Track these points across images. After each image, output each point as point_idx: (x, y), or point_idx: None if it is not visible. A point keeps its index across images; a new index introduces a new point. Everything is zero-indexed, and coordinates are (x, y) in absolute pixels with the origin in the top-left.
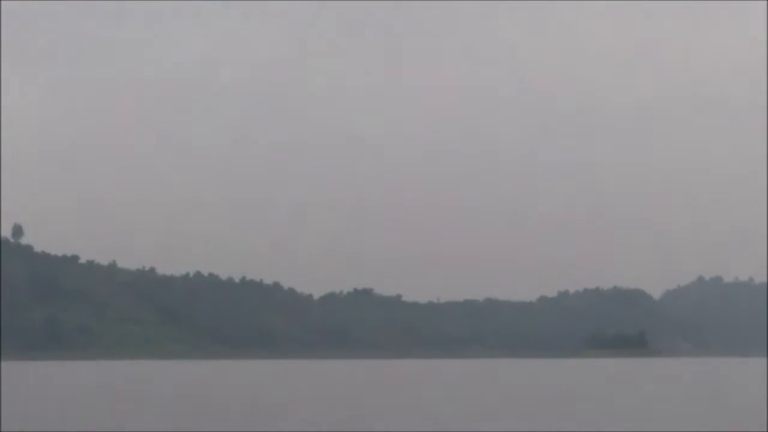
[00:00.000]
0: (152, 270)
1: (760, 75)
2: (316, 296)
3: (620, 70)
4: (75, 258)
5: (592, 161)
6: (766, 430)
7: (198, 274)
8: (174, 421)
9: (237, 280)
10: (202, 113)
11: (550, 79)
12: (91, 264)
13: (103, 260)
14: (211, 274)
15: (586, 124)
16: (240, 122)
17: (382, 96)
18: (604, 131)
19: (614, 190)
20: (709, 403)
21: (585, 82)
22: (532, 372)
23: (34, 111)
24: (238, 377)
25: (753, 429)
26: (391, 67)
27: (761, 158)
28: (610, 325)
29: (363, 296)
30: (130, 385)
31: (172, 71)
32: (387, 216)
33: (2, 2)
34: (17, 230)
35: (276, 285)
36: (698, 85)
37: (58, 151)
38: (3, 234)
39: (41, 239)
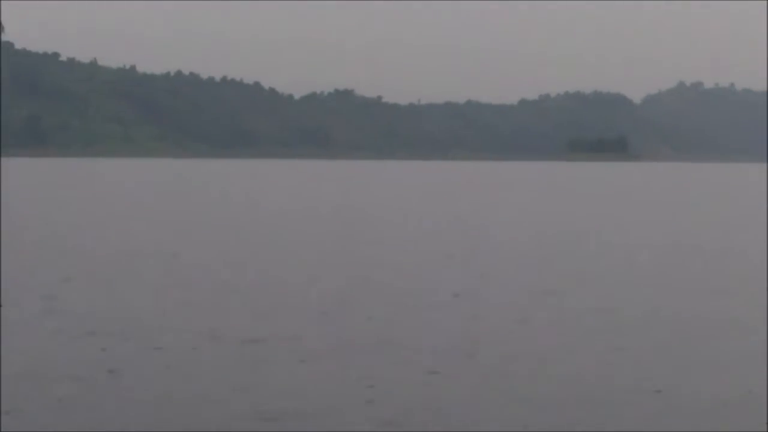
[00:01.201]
0: (133, 68)
1: None
2: (296, 96)
3: None
4: (56, 55)
5: None
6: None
7: (179, 72)
8: (158, 218)
9: (218, 79)
10: None
11: None
12: (71, 62)
13: (84, 58)
14: (191, 73)
15: None
16: None
17: None
18: None
19: None
20: (701, 202)
21: None
22: (516, 174)
23: None
24: (222, 176)
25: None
26: None
27: None
28: (591, 130)
29: (344, 97)
30: (118, 182)
31: None
32: (367, 15)
33: None
34: None
35: (256, 84)
36: None
37: None
38: None
39: (21, 36)
